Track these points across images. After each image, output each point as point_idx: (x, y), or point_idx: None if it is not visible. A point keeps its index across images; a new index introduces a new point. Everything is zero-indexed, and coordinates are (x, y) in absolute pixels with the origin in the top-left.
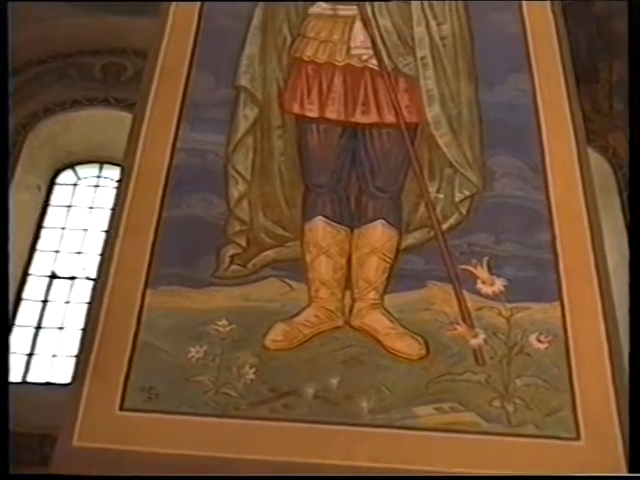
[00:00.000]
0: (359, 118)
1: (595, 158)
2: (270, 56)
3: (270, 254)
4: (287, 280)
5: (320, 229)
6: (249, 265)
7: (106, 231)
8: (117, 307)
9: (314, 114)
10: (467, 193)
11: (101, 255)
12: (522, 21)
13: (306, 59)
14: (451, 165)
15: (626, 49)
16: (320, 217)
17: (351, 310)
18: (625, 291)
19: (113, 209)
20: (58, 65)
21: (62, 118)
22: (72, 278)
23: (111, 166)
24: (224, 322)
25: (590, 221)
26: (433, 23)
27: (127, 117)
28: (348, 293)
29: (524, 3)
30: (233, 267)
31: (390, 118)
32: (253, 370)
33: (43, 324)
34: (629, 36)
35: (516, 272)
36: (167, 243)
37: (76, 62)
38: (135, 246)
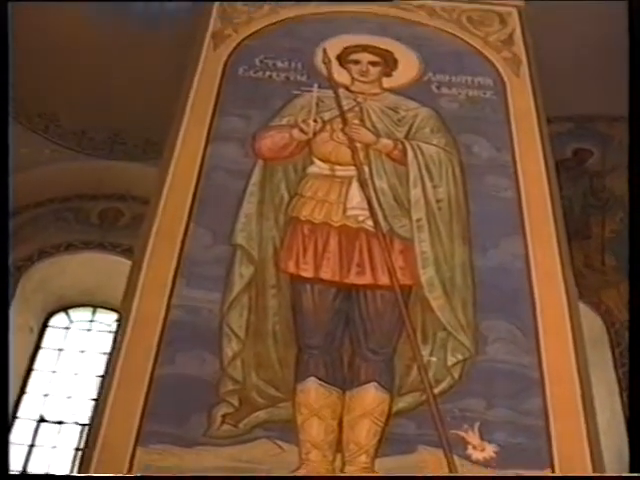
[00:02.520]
0: (354, 279)
1: (587, 314)
2: (267, 215)
3: (261, 414)
4: (278, 441)
5: (312, 390)
6: (240, 425)
7: (100, 376)
8: (107, 462)
9: (309, 274)
10: (460, 357)
11: (95, 402)
12: (517, 185)
13: (302, 219)
14: (444, 329)
15: (619, 205)
16: (313, 378)
17: (342, 473)
18: (617, 445)
19: (109, 355)
20: (55, 208)
21: (57, 261)
22: (60, 423)
23: (104, 310)
24: None
25: (582, 384)
26: (429, 185)
27: (122, 262)
28: (339, 456)
29: (519, 166)
30: (224, 427)
31: (384, 280)
32: None
33: (29, 469)
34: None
35: (507, 438)
36: (159, 400)
37: (73, 206)
38: (127, 400)
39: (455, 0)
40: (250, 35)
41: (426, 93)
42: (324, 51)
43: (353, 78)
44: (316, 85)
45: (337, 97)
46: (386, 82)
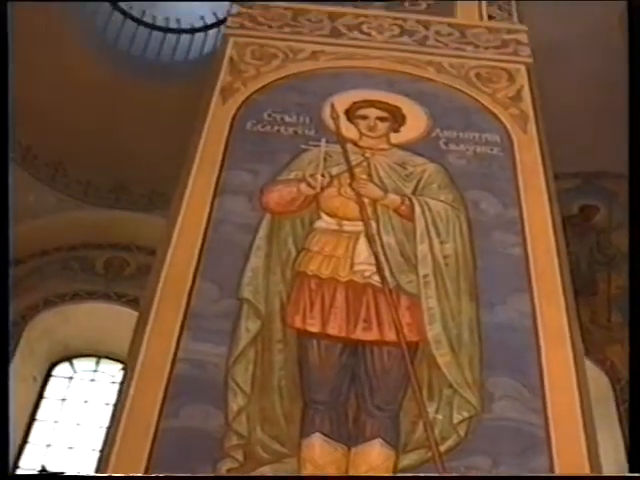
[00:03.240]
0: (360, 335)
1: (593, 370)
2: (274, 269)
3: (266, 470)
4: None
5: (317, 446)
6: None
7: (103, 427)
8: None
9: (315, 329)
10: (466, 415)
11: (99, 453)
12: (524, 241)
13: (310, 273)
14: (450, 386)
15: (625, 262)
16: (318, 434)
17: None
18: None
19: (113, 406)
20: (61, 257)
21: (61, 310)
22: (62, 474)
23: (109, 360)
24: None
25: (588, 442)
26: (436, 241)
27: (127, 312)
28: None
29: (526, 223)
30: None
31: (391, 336)
32: None
33: None
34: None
35: None
36: (163, 453)
37: (79, 255)
38: (131, 452)
39: (463, 57)
40: (259, 89)
41: (434, 149)
42: (332, 106)
43: (361, 133)
44: (324, 140)
45: (345, 152)
46: (394, 138)
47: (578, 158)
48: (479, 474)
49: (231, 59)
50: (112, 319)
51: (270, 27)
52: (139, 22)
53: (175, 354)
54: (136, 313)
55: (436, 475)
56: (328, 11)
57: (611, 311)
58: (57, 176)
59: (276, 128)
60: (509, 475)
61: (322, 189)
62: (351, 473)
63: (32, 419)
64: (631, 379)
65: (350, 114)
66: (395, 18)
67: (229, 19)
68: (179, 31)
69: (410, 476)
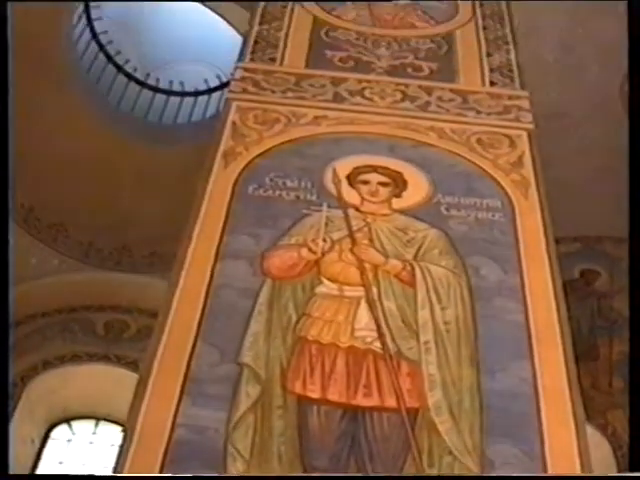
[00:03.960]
0: (360, 401)
1: (594, 436)
2: (275, 334)
3: None
4: None
5: None
6: None
7: None
8: None
9: (316, 395)
10: None
11: None
12: (525, 308)
13: (310, 339)
14: (451, 453)
15: (626, 327)
16: None
17: None
18: None
19: (113, 470)
20: (61, 319)
21: (61, 372)
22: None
23: (108, 423)
24: None
25: None
26: (437, 307)
27: (126, 374)
28: None
29: (527, 289)
30: None
31: (391, 402)
32: None
33: None
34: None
35: None
36: None
37: (80, 317)
38: None
39: (465, 122)
40: (261, 153)
41: (435, 215)
42: (334, 171)
43: (363, 198)
44: (325, 205)
45: (346, 217)
46: (395, 203)
47: (579, 222)
48: None
49: (234, 123)
50: (112, 381)
51: (273, 92)
52: (143, 85)
53: (174, 419)
54: (136, 376)
55: (441, 475)
56: (331, 76)
57: (612, 376)
58: (59, 237)
59: (278, 192)
60: (508, 475)
61: (323, 254)
62: None
63: None
64: (631, 378)
65: (352, 179)
66: (397, 84)
67: (232, 83)
68: (183, 94)
69: (416, 476)
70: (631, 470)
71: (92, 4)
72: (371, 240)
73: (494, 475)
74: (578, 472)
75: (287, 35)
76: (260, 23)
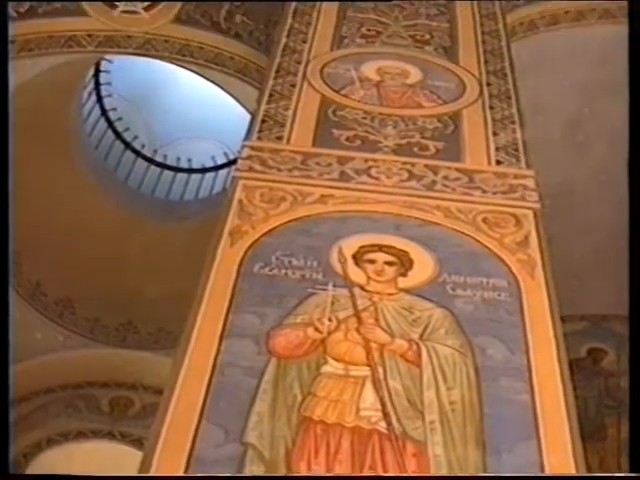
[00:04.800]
0: None
1: None
2: (280, 413)
3: None
4: None
5: None
6: None
7: None
8: None
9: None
10: None
11: None
12: (531, 388)
13: (315, 418)
14: None
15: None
16: None
17: None
18: None
19: None
20: (66, 395)
21: (65, 448)
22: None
23: None
24: None
25: None
26: (443, 387)
27: (131, 452)
28: None
29: (534, 369)
30: None
31: None
32: None
33: None
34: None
35: None
36: None
37: (84, 393)
38: None
39: (471, 202)
40: (267, 232)
41: (441, 294)
42: (340, 250)
43: (369, 277)
44: (331, 284)
45: (352, 296)
46: (401, 282)
47: (586, 301)
48: None
49: (240, 202)
50: (116, 458)
51: (280, 170)
52: (151, 161)
53: None
54: (140, 453)
55: (439, 475)
56: (337, 155)
57: (621, 457)
58: (65, 313)
59: (284, 271)
60: (508, 475)
61: (329, 333)
62: None
63: None
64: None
65: (358, 258)
66: (404, 163)
67: (239, 161)
68: (190, 171)
69: (417, 476)
70: (631, 470)
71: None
72: (377, 319)
73: (494, 475)
74: None
75: (295, 114)
76: (268, 102)
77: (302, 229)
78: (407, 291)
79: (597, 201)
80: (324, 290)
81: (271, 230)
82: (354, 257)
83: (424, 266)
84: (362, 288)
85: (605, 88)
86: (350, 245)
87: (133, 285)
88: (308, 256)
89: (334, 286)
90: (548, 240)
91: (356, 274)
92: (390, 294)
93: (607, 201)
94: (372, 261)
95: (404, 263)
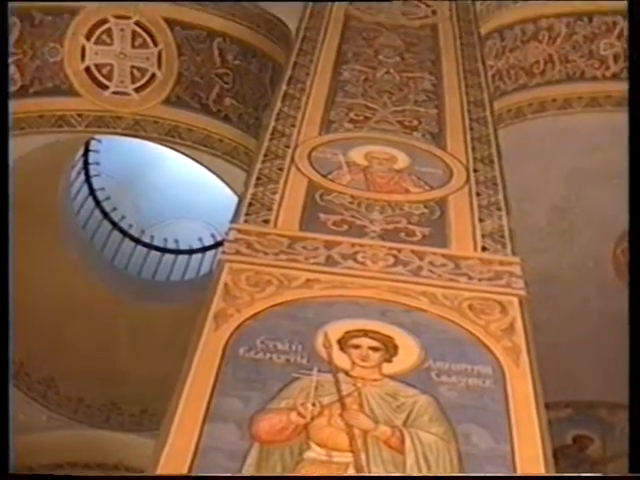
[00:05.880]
0: None
1: None
2: None
3: None
4: None
5: None
6: None
7: None
8: None
9: None
10: None
11: None
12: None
13: None
14: None
15: None
16: None
17: None
18: None
19: None
20: (47, 476)
21: None
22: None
23: None
24: None
25: None
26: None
27: None
28: None
29: (517, 457)
30: None
31: None
32: None
33: None
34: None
35: None
36: None
37: (66, 474)
38: None
39: (457, 288)
40: (252, 315)
41: (426, 380)
42: (325, 335)
43: (353, 363)
44: (316, 369)
45: (337, 382)
46: (386, 368)
47: (571, 387)
48: None
49: (226, 285)
50: None
51: (266, 254)
52: (137, 241)
53: None
54: None
55: (434, 475)
56: (324, 239)
57: None
58: (48, 394)
59: (268, 355)
60: (507, 475)
61: (312, 419)
62: None
63: None
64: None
65: (343, 343)
66: (390, 248)
67: (226, 244)
68: (177, 252)
69: (407, 476)
70: (631, 470)
71: (91, 162)
72: (361, 405)
73: (493, 475)
74: None
75: (282, 197)
76: (255, 185)
77: (288, 313)
78: (392, 377)
79: (583, 287)
80: (308, 375)
81: (256, 314)
82: (339, 342)
83: (409, 352)
84: (346, 373)
85: (591, 175)
86: (335, 330)
87: (117, 366)
88: (293, 340)
89: (319, 371)
90: (534, 327)
91: (341, 359)
92: (374, 380)
93: (593, 287)
94: (357, 346)
95: (389, 349)
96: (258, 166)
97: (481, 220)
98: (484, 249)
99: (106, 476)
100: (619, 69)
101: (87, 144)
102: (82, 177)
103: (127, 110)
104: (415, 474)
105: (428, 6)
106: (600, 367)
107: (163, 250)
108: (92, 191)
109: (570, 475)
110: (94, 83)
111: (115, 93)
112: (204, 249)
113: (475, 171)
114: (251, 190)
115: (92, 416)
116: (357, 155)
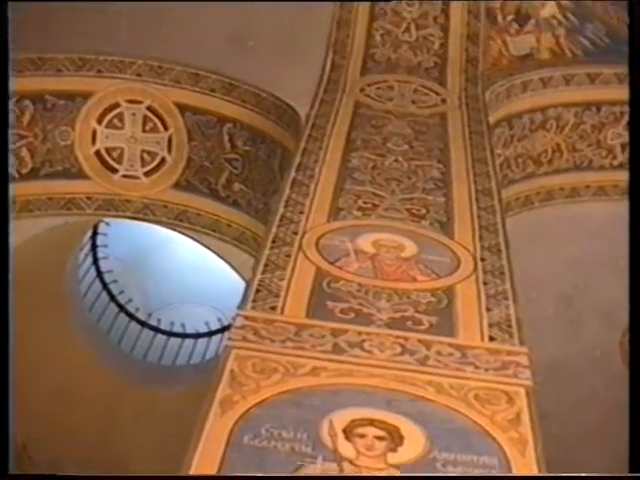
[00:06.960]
0: None
1: None
2: None
3: None
4: None
5: None
6: None
7: None
8: None
9: None
10: None
11: None
12: None
13: None
14: None
15: None
16: None
17: None
18: None
19: None
20: None
21: None
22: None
23: None
24: None
25: None
26: None
27: None
28: None
29: None
30: None
31: None
32: None
33: None
34: None
35: None
36: None
37: None
38: None
39: (463, 377)
40: (258, 403)
41: (431, 471)
42: (330, 423)
43: (358, 452)
44: (320, 457)
45: (341, 471)
46: (391, 457)
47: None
48: None
49: (232, 371)
50: None
51: (272, 341)
52: (144, 325)
53: None
54: None
55: (436, 475)
56: (331, 327)
57: None
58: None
59: (273, 444)
60: (509, 475)
61: None
62: None
63: None
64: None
65: (348, 432)
66: (397, 337)
67: (232, 330)
68: (183, 336)
69: (409, 476)
70: (631, 470)
71: (99, 244)
72: None
73: (492, 475)
74: None
75: (289, 284)
76: (263, 271)
77: (293, 401)
78: (397, 467)
79: (591, 377)
80: (313, 464)
81: (262, 401)
82: (344, 431)
83: (414, 442)
84: (351, 462)
85: (599, 264)
86: (341, 418)
87: (122, 449)
88: (298, 428)
89: (323, 460)
90: (540, 416)
91: (346, 448)
92: (379, 469)
93: (601, 377)
94: (362, 435)
95: (394, 438)
96: (266, 252)
97: (488, 309)
98: (491, 339)
99: (106, 476)
100: (626, 159)
101: (95, 226)
102: (90, 259)
103: (136, 194)
104: None
105: (438, 94)
106: (608, 456)
107: (169, 334)
108: (99, 274)
109: (570, 475)
110: (104, 166)
111: (125, 176)
112: (211, 333)
113: (482, 260)
114: (259, 276)
115: None
116: (365, 242)
